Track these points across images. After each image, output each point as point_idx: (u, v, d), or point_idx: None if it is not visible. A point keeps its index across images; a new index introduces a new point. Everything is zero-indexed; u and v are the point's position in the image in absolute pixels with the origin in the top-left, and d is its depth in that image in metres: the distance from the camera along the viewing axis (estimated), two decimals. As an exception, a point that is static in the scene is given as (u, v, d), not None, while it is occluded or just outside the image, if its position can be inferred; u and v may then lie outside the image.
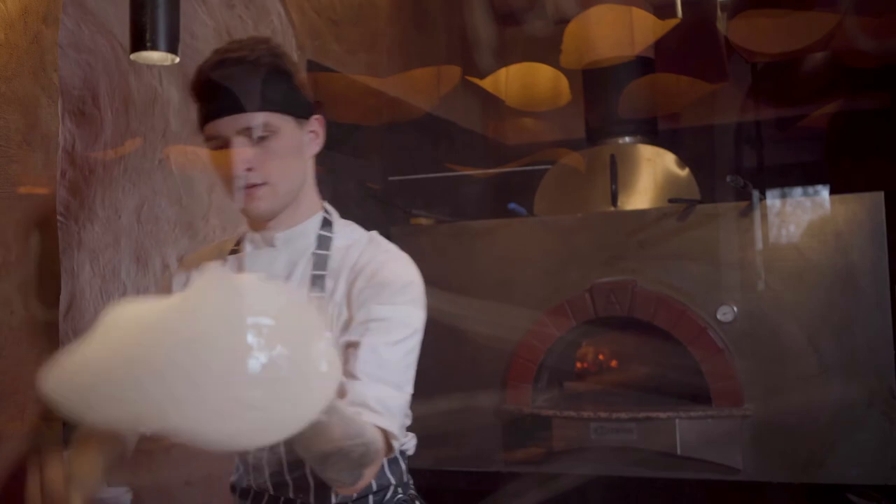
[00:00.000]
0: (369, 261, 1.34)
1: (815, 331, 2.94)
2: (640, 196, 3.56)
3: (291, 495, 1.36)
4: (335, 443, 1.11)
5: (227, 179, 1.33)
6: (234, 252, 1.46)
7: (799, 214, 2.99)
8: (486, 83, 3.97)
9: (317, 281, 1.35)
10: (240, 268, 1.43)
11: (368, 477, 1.23)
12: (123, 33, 2.39)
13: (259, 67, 1.31)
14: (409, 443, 1.45)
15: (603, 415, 3.07)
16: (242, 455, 1.42)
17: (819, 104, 3.91)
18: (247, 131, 1.30)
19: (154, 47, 2.09)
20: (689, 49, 3.79)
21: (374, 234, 1.43)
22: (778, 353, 2.98)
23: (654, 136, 3.82)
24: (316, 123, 1.40)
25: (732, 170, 3.94)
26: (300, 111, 1.36)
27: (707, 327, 3.05)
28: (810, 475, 2.92)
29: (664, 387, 3.21)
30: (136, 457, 1.51)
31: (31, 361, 1.78)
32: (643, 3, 3.67)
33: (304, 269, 1.37)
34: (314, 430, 1.03)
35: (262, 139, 1.31)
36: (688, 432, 2.99)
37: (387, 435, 1.23)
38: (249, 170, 1.31)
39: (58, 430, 1.86)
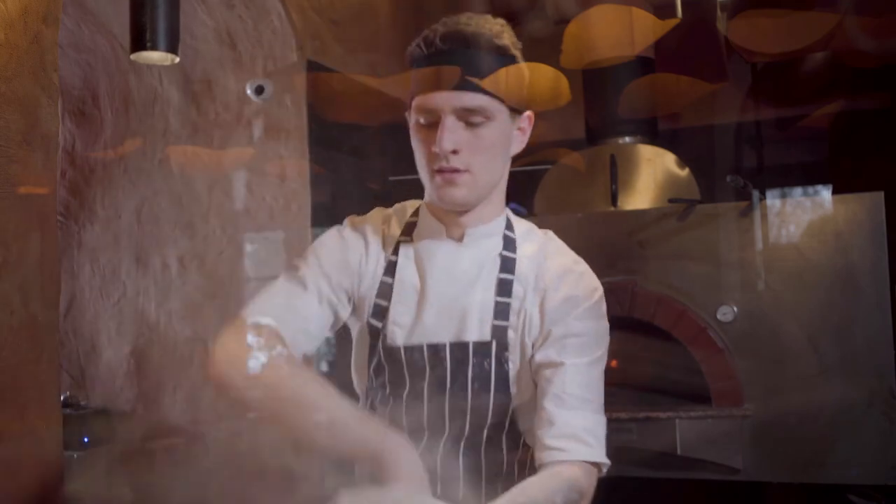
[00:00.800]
0: (560, 271, 1.29)
1: (815, 331, 2.94)
2: (640, 196, 3.55)
3: None
4: None
5: (428, 159, 1.24)
6: (403, 241, 1.34)
7: (799, 214, 2.99)
8: (486, 83, 3.96)
9: (504, 285, 1.27)
10: (417, 259, 1.32)
11: None
12: (123, 33, 2.39)
13: (493, 48, 1.22)
14: None
15: (603, 415, 3.07)
16: None
17: (819, 104, 3.91)
18: (463, 112, 1.21)
19: (154, 47, 2.09)
20: (689, 49, 3.78)
21: (550, 233, 1.38)
22: (778, 353, 2.97)
23: (654, 136, 3.82)
24: (526, 121, 1.31)
25: (732, 170, 3.94)
26: (518, 103, 1.27)
27: (707, 327, 3.05)
28: (810, 475, 2.92)
29: (664, 387, 3.20)
30: (136, 457, 1.50)
31: (31, 361, 1.78)
32: (643, 3, 3.66)
33: (490, 270, 1.28)
34: None
35: (474, 125, 1.22)
36: (688, 432, 2.99)
37: (598, 466, 1.22)
38: (455, 152, 1.21)
39: (58, 430, 1.86)
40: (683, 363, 3.08)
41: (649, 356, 3.27)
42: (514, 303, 1.26)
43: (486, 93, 1.22)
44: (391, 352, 1.29)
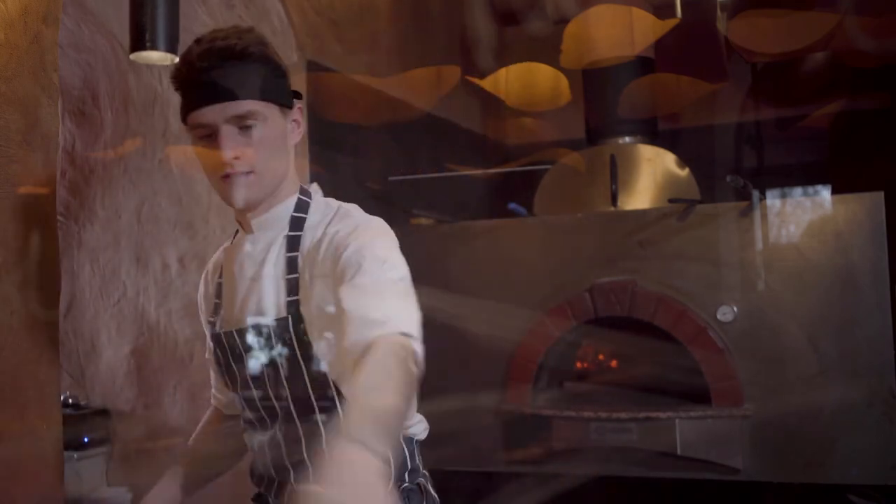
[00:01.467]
0: (337, 229, 1.33)
1: (815, 331, 2.94)
2: (640, 196, 3.56)
3: (292, 479, 1.37)
4: (405, 406, 1.09)
5: (214, 168, 1.34)
6: (228, 244, 1.49)
7: (799, 214, 2.99)
8: (486, 83, 3.96)
9: (291, 262, 1.35)
10: (228, 258, 1.45)
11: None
12: (123, 33, 2.39)
13: (247, 56, 1.31)
14: (416, 427, 1.44)
15: (603, 415, 3.07)
16: (249, 439, 1.45)
17: (819, 104, 3.91)
18: (234, 120, 1.30)
19: (154, 47, 2.09)
20: (689, 49, 3.79)
21: (351, 206, 1.42)
22: (778, 353, 2.98)
23: (654, 136, 3.82)
24: (298, 112, 1.42)
25: (732, 170, 3.95)
26: (285, 100, 1.37)
27: (707, 327, 3.05)
28: (810, 475, 2.92)
29: (664, 387, 3.21)
30: (136, 457, 1.51)
31: (31, 361, 1.78)
32: (643, 3, 3.66)
33: (279, 251, 1.37)
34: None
35: (248, 128, 1.31)
36: (688, 432, 2.99)
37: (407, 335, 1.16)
38: (236, 158, 1.31)
39: (57, 431, 1.86)
40: (683, 363, 3.08)
41: (649, 356, 3.27)
42: (302, 276, 1.34)
43: (251, 97, 1.31)
44: (217, 341, 1.44)
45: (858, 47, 3.38)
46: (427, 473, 1.46)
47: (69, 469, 2.52)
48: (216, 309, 1.46)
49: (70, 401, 3.02)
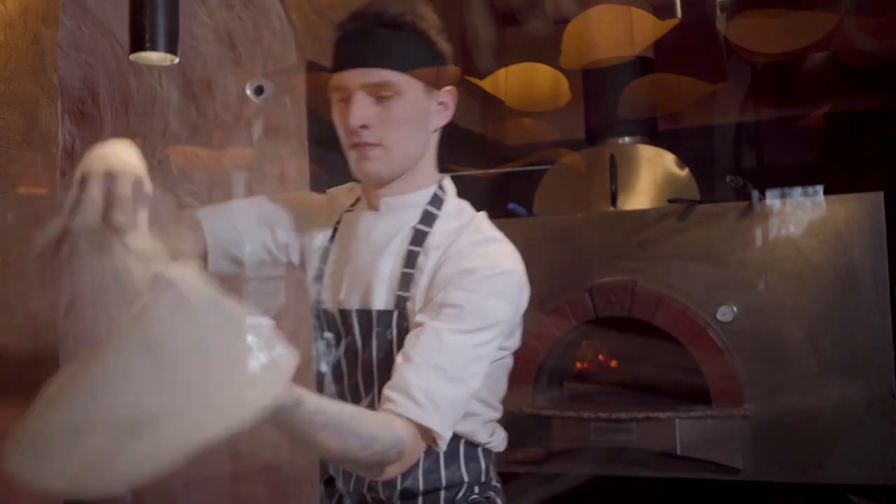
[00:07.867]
0: (463, 244, 1.27)
1: (815, 331, 2.94)
2: (640, 196, 3.55)
3: (355, 483, 1.36)
4: (335, 453, 1.05)
5: (345, 135, 1.28)
6: (347, 211, 1.42)
7: (799, 214, 2.99)
8: (486, 83, 3.96)
9: (411, 256, 1.28)
10: (348, 228, 1.38)
11: (394, 472, 1.15)
12: (123, 33, 2.38)
13: (397, 25, 1.24)
14: (496, 439, 1.42)
15: (603, 415, 3.07)
16: None
17: (819, 104, 3.91)
18: (370, 88, 1.23)
19: (153, 48, 2.09)
20: (689, 49, 3.79)
21: (482, 215, 1.37)
22: (778, 353, 2.98)
23: (654, 136, 3.82)
24: (448, 95, 1.33)
25: (732, 170, 3.94)
26: (432, 79, 1.29)
27: (707, 327, 3.05)
28: (810, 475, 2.92)
29: (664, 387, 3.21)
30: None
31: (31, 361, 1.78)
32: (643, 3, 3.66)
33: (402, 241, 1.30)
34: (306, 441, 1.00)
35: (385, 99, 1.24)
36: (688, 432, 2.99)
37: (430, 434, 1.15)
38: (364, 127, 1.24)
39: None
40: (683, 363, 3.08)
41: (649, 356, 3.27)
42: (417, 274, 1.27)
43: (391, 67, 1.24)
44: (320, 314, 1.38)
45: (858, 47, 3.39)
46: (499, 486, 1.42)
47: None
48: (319, 276, 1.39)
49: (70, 401, 3.02)
